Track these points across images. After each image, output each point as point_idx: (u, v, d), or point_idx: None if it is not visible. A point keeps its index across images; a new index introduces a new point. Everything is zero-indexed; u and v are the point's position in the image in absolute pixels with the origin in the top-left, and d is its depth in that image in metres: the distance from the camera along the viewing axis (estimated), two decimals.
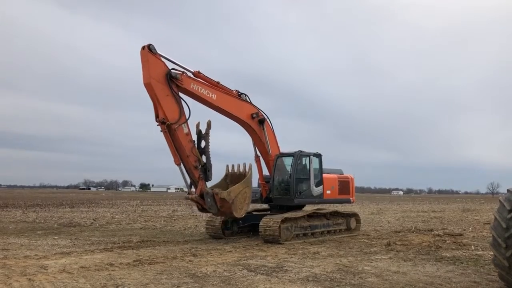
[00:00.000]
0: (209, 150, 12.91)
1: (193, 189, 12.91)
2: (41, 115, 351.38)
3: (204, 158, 12.83)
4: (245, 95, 14.45)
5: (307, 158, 15.04)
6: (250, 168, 13.54)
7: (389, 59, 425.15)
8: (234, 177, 13.95)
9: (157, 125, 12.23)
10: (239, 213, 12.92)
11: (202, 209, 13.11)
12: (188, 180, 12.78)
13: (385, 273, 8.95)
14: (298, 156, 14.76)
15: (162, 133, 12.25)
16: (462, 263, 10.33)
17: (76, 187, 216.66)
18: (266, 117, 14.74)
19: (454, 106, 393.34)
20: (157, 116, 12.18)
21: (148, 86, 11.95)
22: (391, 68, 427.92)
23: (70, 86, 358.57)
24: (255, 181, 15.70)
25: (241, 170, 13.92)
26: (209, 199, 12.48)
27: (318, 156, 15.39)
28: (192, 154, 12.49)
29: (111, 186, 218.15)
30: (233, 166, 14.25)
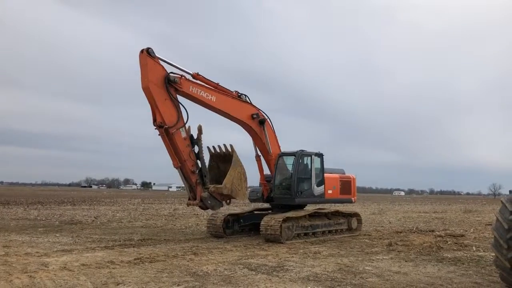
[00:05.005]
0: (203, 155, 12.93)
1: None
2: (44, 112, 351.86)
3: (199, 163, 12.86)
4: (245, 95, 14.41)
5: (309, 158, 15.02)
6: (233, 149, 13.56)
7: (392, 59, 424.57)
8: (220, 157, 14.02)
9: (155, 128, 12.19)
10: (242, 195, 13.27)
11: (207, 208, 13.25)
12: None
13: (386, 273, 8.94)
14: (299, 155, 14.74)
15: (160, 136, 12.23)
16: (463, 264, 10.31)
17: (77, 185, 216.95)
18: (266, 117, 14.70)
19: (456, 107, 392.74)
20: (154, 120, 12.14)
21: (146, 90, 11.88)
22: (394, 68, 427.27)
23: (73, 83, 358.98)
24: (256, 180, 15.76)
25: (224, 150, 13.93)
26: (209, 201, 12.68)
27: (320, 155, 15.38)
28: (189, 159, 12.51)
29: (112, 184, 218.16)
30: (213, 147, 14.21)
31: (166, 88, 12.08)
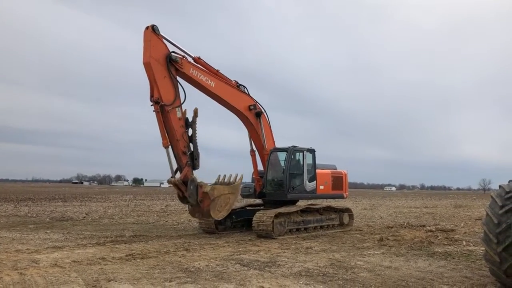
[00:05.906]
0: (196, 138, 12.85)
1: (177, 175, 12.70)
2: (35, 109, 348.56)
3: (191, 146, 12.78)
4: (244, 86, 14.60)
5: (301, 154, 15.04)
6: (241, 178, 13.57)
7: (387, 57, 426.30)
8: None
9: (151, 105, 12.18)
10: (216, 215, 12.71)
11: (183, 197, 12.87)
12: (174, 165, 12.62)
13: (378, 268, 9.00)
14: (291, 151, 14.76)
15: (154, 113, 12.17)
16: (453, 258, 10.41)
17: (69, 181, 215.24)
18: (263, 110, 14.79)
19: (447, 104, 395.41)
20: (151, 96, 12.16)
21: (147, 65, 12.00)
22: (387, 66, 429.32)
23: (64, 80, 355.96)
24: (249, 176, 15.75)
25: (231, 180, 13.82)
26: (191, 187, 12.32)
27: (312, 151, 15.41)
28: (182, 139, 12.46)
29: (104, 180, 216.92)
30: (224, 176, 14.16)
31: (167, 66, 12.23)
